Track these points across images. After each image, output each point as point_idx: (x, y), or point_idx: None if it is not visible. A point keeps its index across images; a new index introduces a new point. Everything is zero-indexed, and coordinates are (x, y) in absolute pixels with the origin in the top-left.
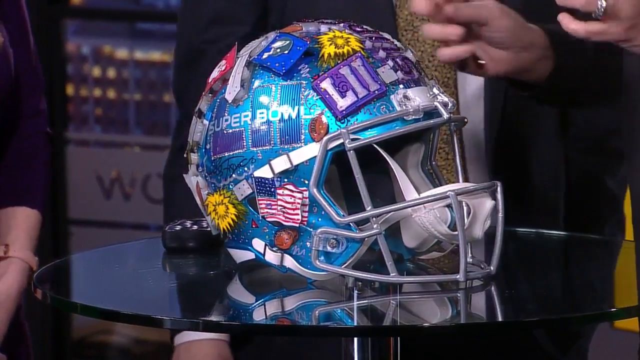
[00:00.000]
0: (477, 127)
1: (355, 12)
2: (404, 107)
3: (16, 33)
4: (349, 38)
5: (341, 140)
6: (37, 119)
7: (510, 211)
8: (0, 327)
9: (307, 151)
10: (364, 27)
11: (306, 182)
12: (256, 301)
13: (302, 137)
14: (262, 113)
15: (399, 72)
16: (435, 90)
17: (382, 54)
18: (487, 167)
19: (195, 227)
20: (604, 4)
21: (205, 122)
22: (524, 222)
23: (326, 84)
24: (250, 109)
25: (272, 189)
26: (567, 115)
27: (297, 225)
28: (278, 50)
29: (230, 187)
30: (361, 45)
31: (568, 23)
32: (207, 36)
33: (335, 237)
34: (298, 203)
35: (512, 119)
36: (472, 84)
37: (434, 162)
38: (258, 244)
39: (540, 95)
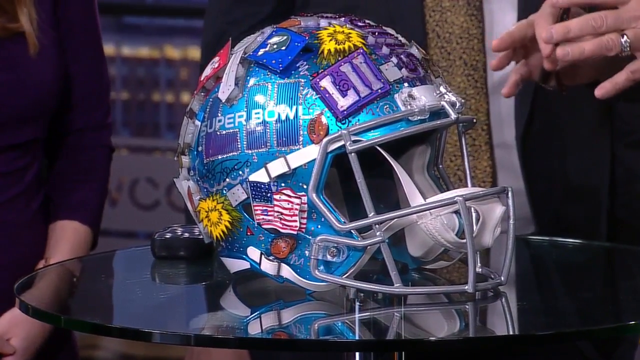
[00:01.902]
0: (507, 114)
1: None
2: (409, 107)
3: (79, 40)
4: (350, 33)
5: (342, 142)
6: (102, 132)
7: (541, 212)
8: (35, 340)
9: (306, 154)
10: (366, 21)
11: (305, 186)
12: (251, 313)
13: (301, 138)
14: (258, 113)
15: (403, 69)
16: (442, 89)
17: (385, 50)
18: (518, 158)
19: (186, 234)
20: (625, 37)
21: (197, 122)
22: (558, 225)
23: (326, 83)
24: (245, 109)
25: (269, 194)
26: (612, 105)
27: (295, 232)
28: (275, 46)
29: (224, 192)
30: (363, 41)
31: (603, 90)
32: (230, 17)
33: (335, 245)
34: (296, 209)
35: (544, 105)
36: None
37: (440, 166)
38: (253, 252)
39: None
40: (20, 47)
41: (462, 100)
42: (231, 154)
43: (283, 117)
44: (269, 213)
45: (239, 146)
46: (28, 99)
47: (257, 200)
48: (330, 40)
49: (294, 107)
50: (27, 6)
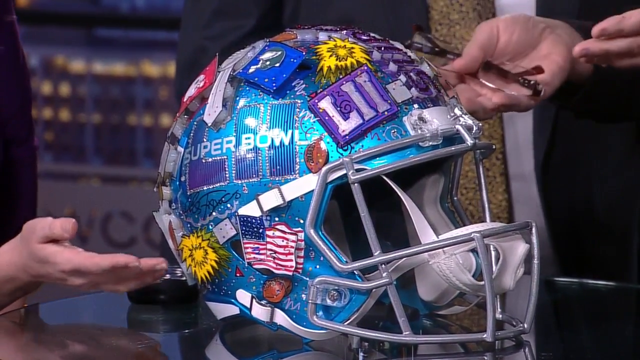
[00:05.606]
0: (524, 141)
1: (382, 3)
2: (420, 131)
3: (3, 60)
4: (352, 48)
5: (343, 171)
6: (28, 142)
7: (564, 251)
8: None
9: (303, 184)
10: (371, 34)
11: (301, 221)
12: None
13: (297, 167)
14: (249, 138)
15: (413, 89)
16: (457, 111)
17: (392, 67)
18: (537, 190)
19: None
20: None
21: (180, 149)
22: (583, 265)
23: (325, 104)
24: (234, 134)
25: (261, 230)
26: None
27: (291, 273)
28: (268, 62)
29: (210, 227)
30: (367, 57)
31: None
32: (209, 32)
33: (336, 287)
34: (291, 247)
35: (566, 131)
36: None
37: (455, 198)
38: (243, 296)
39: (583, 103)
40: None
41: (480, 124)
42: (218, 184)
43: (277, 143)
44: (261, 251)
45: (227, 176)
46: None
47: (247, 237)
48: (331, 56)
49: (290, 132)
50: None
